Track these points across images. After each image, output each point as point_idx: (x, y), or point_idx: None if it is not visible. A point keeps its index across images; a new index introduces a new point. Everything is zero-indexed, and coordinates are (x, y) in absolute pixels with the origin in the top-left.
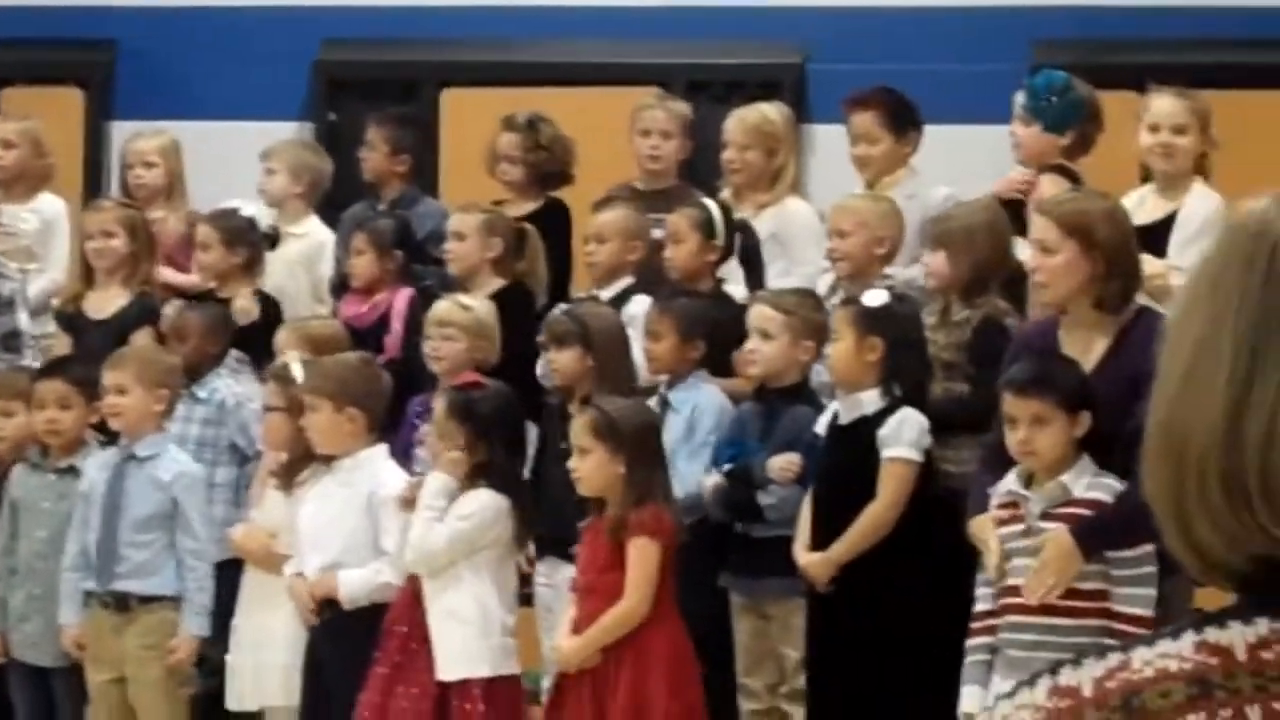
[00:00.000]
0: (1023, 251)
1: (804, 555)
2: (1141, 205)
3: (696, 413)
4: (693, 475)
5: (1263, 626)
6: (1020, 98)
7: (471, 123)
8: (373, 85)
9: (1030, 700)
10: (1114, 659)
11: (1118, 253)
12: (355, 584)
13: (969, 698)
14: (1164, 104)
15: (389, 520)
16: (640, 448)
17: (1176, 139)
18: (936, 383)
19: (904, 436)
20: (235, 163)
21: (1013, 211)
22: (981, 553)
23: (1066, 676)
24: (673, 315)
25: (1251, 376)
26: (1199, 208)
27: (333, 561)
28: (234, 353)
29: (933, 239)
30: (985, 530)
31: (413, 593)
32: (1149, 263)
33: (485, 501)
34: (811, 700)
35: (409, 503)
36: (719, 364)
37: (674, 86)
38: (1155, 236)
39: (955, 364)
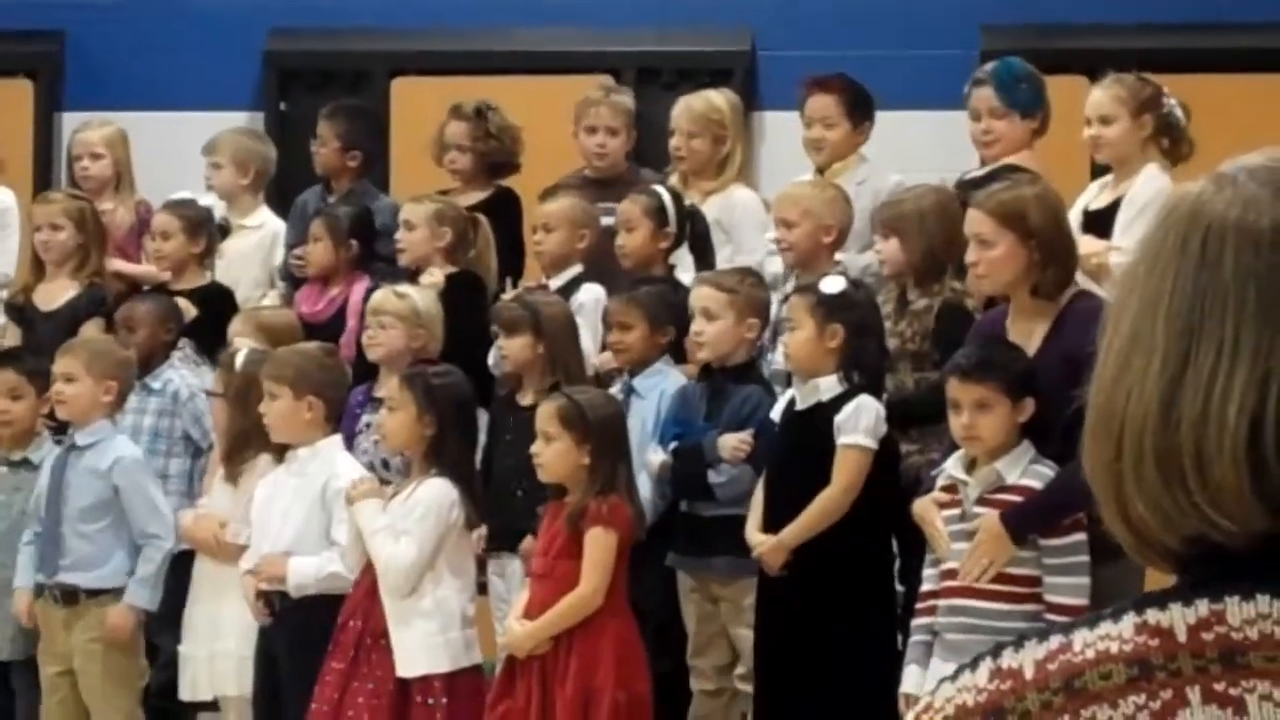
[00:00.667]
0: None
1: (756, 537)
2: (1100, 194)
3: (664, 400)
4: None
5: (1203, 608)
6: (986, 92)
7: (422, 111)
8: (322, 75)
9: (972, 682)
10: (1055, 641)
11: (1051, 237)
12: (304, 572)
13: (909, 677)
14: (1093, 96)
15: (343, 511)
16: (605, 438)
17: (1104, 130)
18: (907, 374)
19: (860, 423)
20: (186, 153)
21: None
22: (927, 534)
23: (1008, 659)
24: (639, 304)
25: (1186, 357)
26: (1144, 189)
27: (284, 551)
28: (187, 343)
29: (884, 225)
30: (929, 512)
31: (367, 587)
32: (1088, 243)
33: (437, 492)
34: (759, 679)
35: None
36: (672, 351)
37: (624, 75)
38: (1104, 221)
39: (923, 353)
